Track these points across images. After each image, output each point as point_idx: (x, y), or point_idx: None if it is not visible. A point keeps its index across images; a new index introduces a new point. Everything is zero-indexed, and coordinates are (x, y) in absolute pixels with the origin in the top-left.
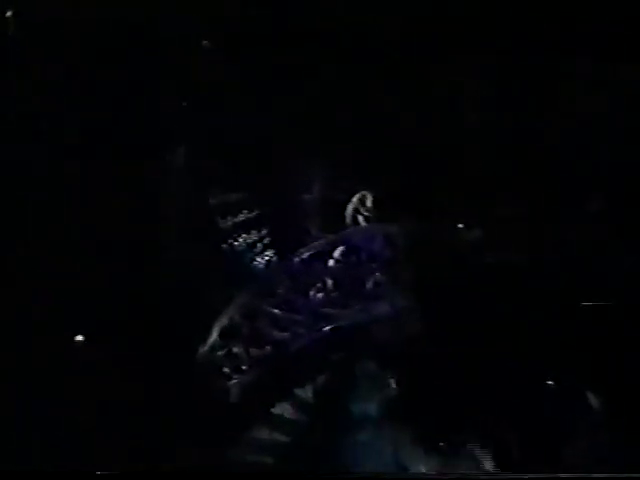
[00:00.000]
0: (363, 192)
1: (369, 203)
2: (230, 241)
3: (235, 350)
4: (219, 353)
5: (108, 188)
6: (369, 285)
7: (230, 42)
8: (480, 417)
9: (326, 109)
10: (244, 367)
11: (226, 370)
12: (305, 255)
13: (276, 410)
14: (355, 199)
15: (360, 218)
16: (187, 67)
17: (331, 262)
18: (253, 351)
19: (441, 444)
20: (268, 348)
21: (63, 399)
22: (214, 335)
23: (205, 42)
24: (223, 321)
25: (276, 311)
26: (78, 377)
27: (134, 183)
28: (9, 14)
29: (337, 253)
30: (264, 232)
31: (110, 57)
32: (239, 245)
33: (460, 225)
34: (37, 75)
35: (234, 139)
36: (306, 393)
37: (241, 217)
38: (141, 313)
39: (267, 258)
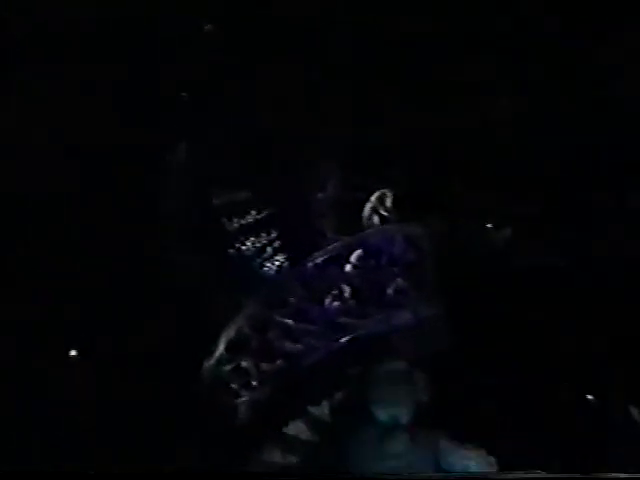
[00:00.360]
0: (382, 190)
1: (389, 202)
2: (237, 245)
3: (244, 364)
4: (226, 368)
5: (105, 187)
6: (390, 292)
7: (240, 35)
8: (513, 436)
9: (342, 102)
10: (254, 383)
11: (234, 386)
12: (319, 260)
13: (289, 430)
14: (374, 198)
15: (379, 218)
16: (189, 62)
17: (348, 267)
18: (263, 365)
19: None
20: (280, 362)
21: (62, 417)
22: (220, 348)
23: (208, 26)
24: (230, 333)
25: (288, 321)
26: (75, 394)
27: (130, 182)
28: None
29: (354, 257)
30: (274, 235)
31: (110, 54)
32: (247, 249)
33: (489, 225)
34: (34, 72)
35: (239, 134)
36: (322, 411)
37: (249, 219)
38: (141, 324)
39: (278, 263)
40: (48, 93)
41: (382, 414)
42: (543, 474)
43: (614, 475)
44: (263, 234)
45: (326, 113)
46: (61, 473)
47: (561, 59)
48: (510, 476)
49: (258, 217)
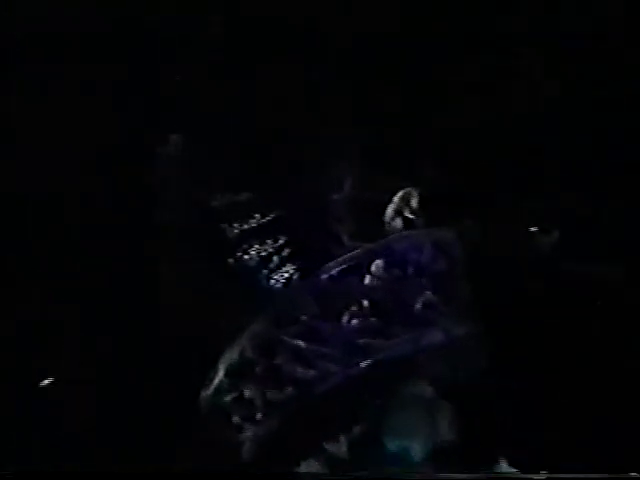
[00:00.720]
0: (407, 189)
1: (415, 203)
2: (239, 254)
3: (247, 393)
4: (226, 397)
5: (89, 185)
6: (417, 307)
7: (245, 24)
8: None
9: (359, 90)
10: (259, 415)
11: (236, 420)
12: (334, 270)
13: (301, 470)
14: (397, 198)
15: (403, 222)
16: (190, 48)
17: (368, 279)
18: (270, 394)
19: None
20: (289, 390)
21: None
22: (220, 374)
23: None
24: (231, 356)
25: (299, 342)
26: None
27: (116, 181)
28: None
29: (375, 267)
30: (282, 242)
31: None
32: (250, 259)
33: (533, 228)
34: (28, 67)
35: (241, 127)
36: (339, 448)
37: (252, 223)
38: (126, 347)
39: (286, 275)
40: (38, 84)
41: (392, 444)
42: (544, 474)
43: (613, 475)
44: (269, 241)
45: (341, 103)
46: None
47: (612, 45)
48: (512, 476)
49: (263, 221)
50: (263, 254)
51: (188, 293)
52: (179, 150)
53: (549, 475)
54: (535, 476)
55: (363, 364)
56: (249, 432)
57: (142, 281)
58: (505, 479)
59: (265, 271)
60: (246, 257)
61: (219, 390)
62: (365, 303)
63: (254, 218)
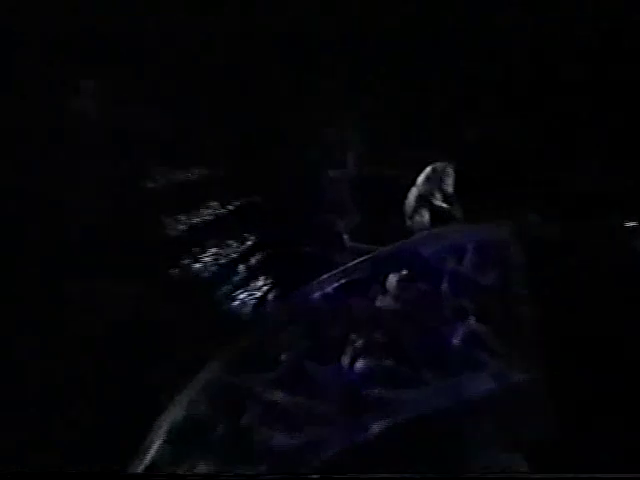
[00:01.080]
0: (438, 164)
1: (449, 185)
2: (187, 261)
3: (200, 469)
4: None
5: None
6: (455, 342)
7: None
8: None
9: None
10: None
11: None
12: (331, 287)
13: None
14: (422, 179)
15: (431, 213)
16: None
17: (381, 299)
18: (235, 470)
19: None
20: (263, 466)
21: None
22: (158, 440)
23: None
24: (176, 413)
25: (278, 394)
26: None
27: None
28: None
29: (392, 282)
30: (251, 242)
31: None
32: (204, 268)
33: (631, 224)
34: None
35: (194, 65)
36: None
37: (207, 215)
38: (28, 400)
39: (259, 292)
40: None
41: None
42: (548, 474)
43: (613, 475)
44: (233, 242)
45: (344, 48)
46: None
47: None
48: (512, 476)
49: (224, 212)
50: (223, 261)
51: (110, 318)
52: (94, 103)
53: (549, 475)
54: (536, 476)
55: (374, 427)
56: None
57: (45, 300)
58: (505, 479)
59: (227, 287)
60: (198, 265)
61: (158, 463)
62: (377, 336)
63: (210, 207)
